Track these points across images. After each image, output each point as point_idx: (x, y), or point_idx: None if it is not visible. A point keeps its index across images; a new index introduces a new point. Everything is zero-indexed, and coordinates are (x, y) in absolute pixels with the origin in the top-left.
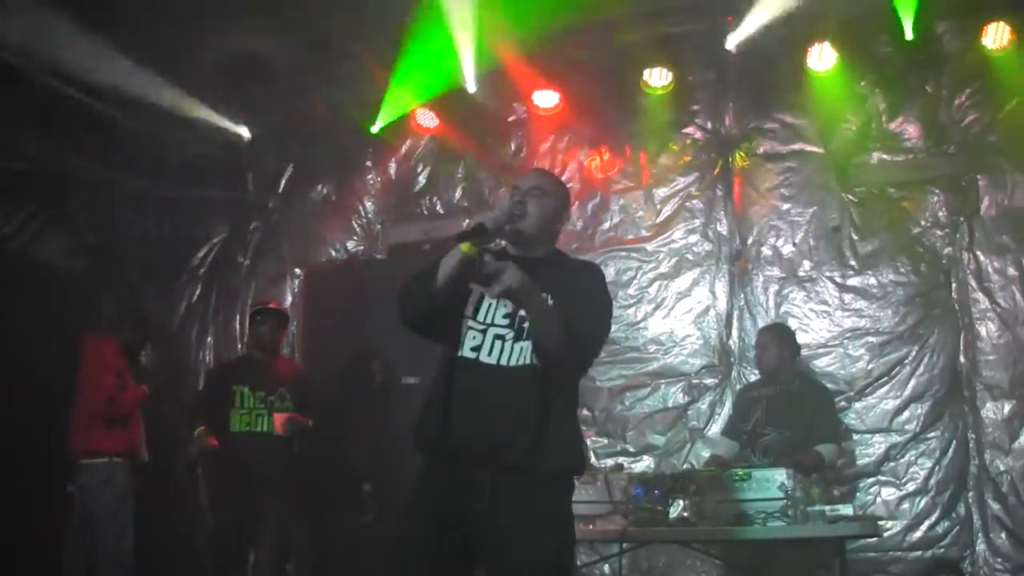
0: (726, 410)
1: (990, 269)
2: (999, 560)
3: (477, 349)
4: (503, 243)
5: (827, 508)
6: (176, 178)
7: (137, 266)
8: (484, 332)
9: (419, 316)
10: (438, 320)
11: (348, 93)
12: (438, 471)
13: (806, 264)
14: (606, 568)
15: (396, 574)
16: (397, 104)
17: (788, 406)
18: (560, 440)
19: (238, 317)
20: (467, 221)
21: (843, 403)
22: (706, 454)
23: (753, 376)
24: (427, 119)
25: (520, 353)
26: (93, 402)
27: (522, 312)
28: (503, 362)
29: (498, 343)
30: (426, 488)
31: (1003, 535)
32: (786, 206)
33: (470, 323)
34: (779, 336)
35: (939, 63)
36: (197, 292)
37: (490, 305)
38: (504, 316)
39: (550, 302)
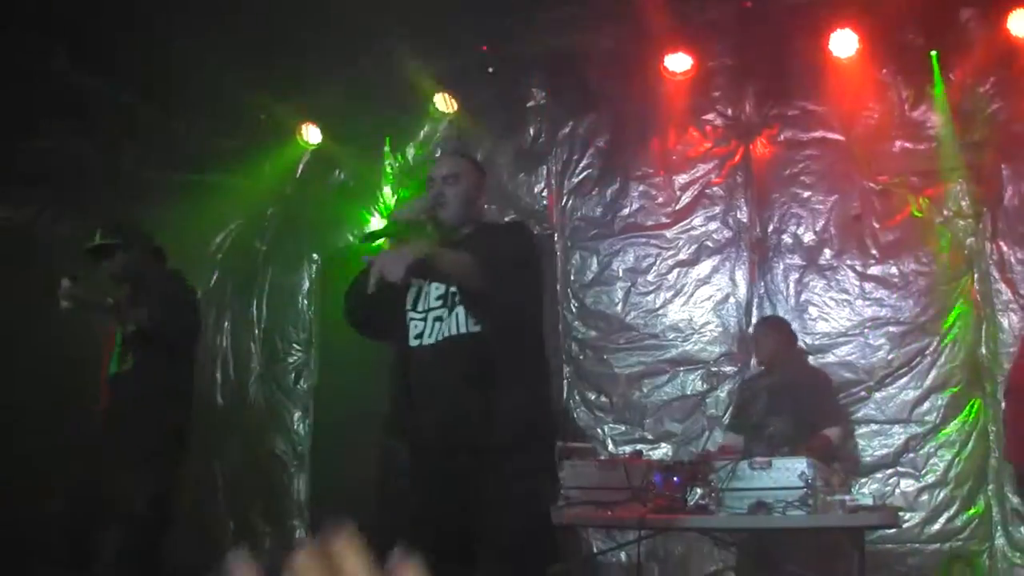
0: (736, 392)
1: (1013, 259)
2: (1018, 554)
3: (420, 336)
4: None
5: (847, 498)
6: (192, 164)
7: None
8: (424, 319)
9: (359, 316)
10: (377, 317)
11: (370, 77)
12: (418, 462)
13: (827, 252)
14: (623, 555)
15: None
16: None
17: (789, 395)
18: (511, 408)
19: (255, 302)
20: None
21: (862, 393)
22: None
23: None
24: (445, 103)
25: (455, 322)
26: None
27: (452, 288)
28: (443, 336)
29: (437, 324)
30: (414, 481)
31: (1022, 529)
32: (807, 194)
33: (411, 315)
34: (774, 327)
35: (963, 50)
36: (214, 278)
37: (426, 293)
38: (437, 298)
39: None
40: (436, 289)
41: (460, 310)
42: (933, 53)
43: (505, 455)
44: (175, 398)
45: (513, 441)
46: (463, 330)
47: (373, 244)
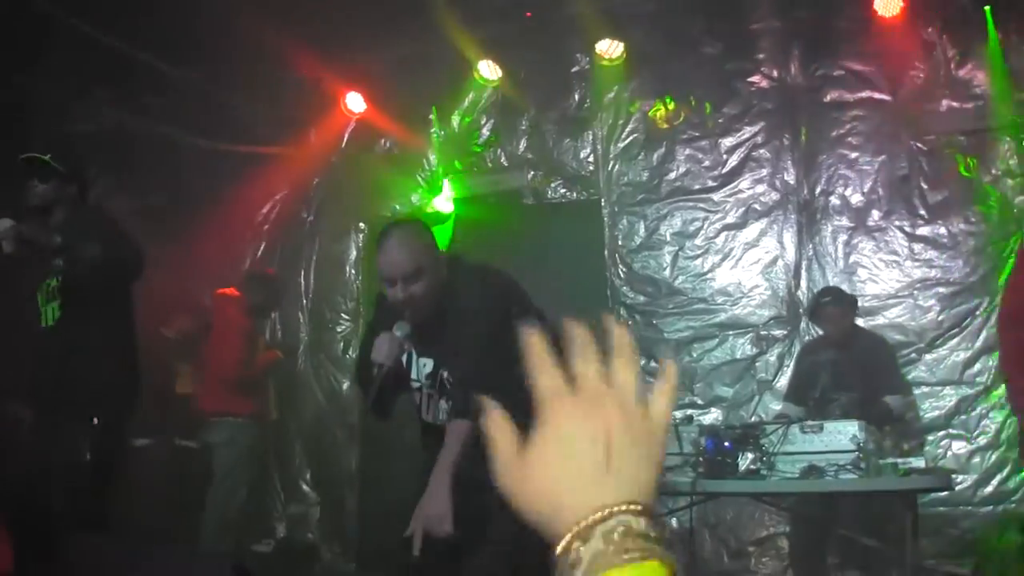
0: (794, 363)
1: None
2: None
3: (418, 409)
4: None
5: (899, 461)
6: (238, 135)
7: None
8: (420, 391)
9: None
10: (393, 407)
11: (415, 45)
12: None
13: (875, 214)
14: (673, 522)
15: None
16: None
17: (854, 368)
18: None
19: (302, 273)
20: (374, 367)
21: (913, 355)
22: (775, 406)
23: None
24: (490, 71)
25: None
26: (222, 364)
27: (444, 372)
28: (437, 420)
29: (428, 400)
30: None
31: None
32: (854, 155)
33: (412, 383)
34: (847, 305)
35: (1008, 8)
36: (261, 248)
37: (416, 364)
38: (427, 376)
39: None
40: (425, 366)
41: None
42: (987, 8)
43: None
44: (106, 357)
45: None
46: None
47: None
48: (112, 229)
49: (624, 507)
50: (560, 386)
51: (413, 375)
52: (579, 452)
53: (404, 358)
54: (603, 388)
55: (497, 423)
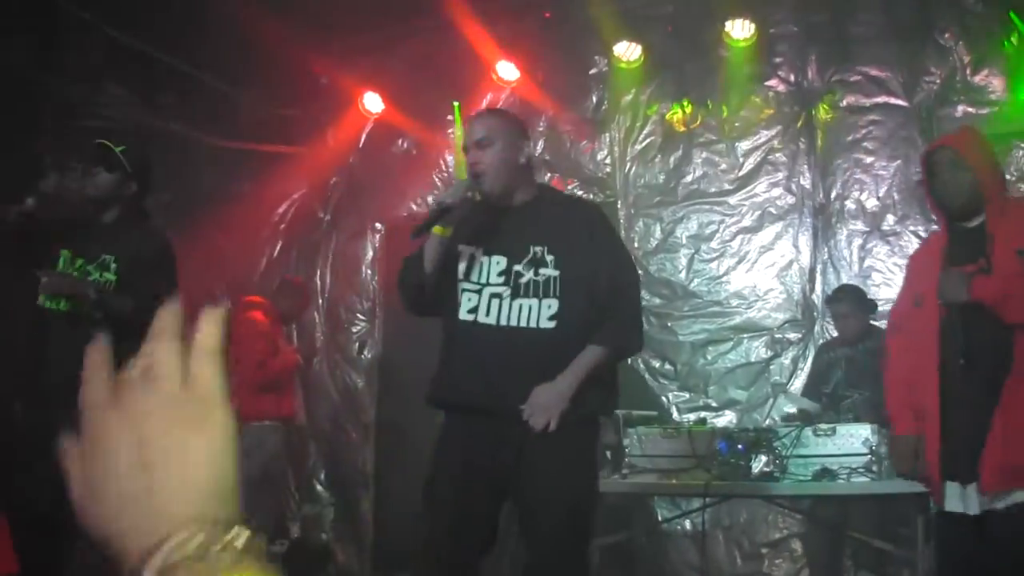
0: (808, 365)
1: None
2: None
3: (474, 311)
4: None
5: None
6: (255, 135)
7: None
8: (479, 292)
9: (417, 304)
10: (434, 300)
11: (432, 47)
12: (459, 426)
13: (890, 218)
14: (687, 523)
15: (425, 519)
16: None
17: (868, 366)
18: (580, 393)
19: (319, 272)
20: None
21: None
22: (789, 409)
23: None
24: (508, 71)
25: (520, 312)
26: (244, 367)
27: (517, 267)
28: (503, 322)
29: (495, 302)
30: (449, 442)
31: None
32: (870, 159)
33: (464, 285)
34: (858, 302)
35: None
36: (278, 247)
37: (482, 264)
38: (499, 274)
39: (554, 267)
40: (496, 264)
41: (534, 303)
42: (1012, 13)
43: (571, 428)
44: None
45: (585, 417)
46: (534, 324)
47: (436, 228)
48: (172, 268)
49: (191, 535)
50: (102, 397)
51: (475, 279)
52: (119, 465)
53: (465, 263)
54: (140, 385)
55: (70, 452)
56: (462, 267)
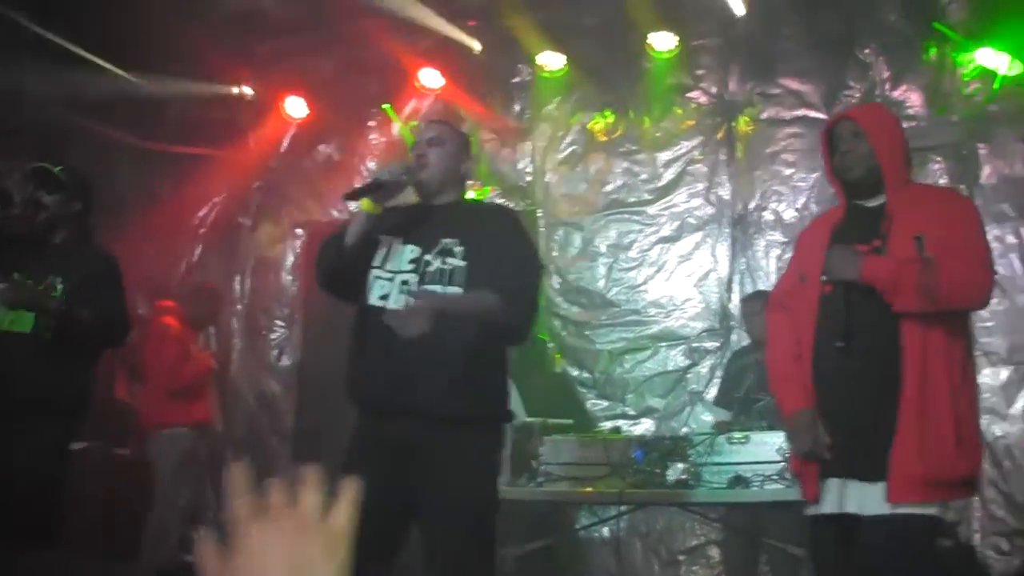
0: (724, 368)
1: (990, 237)
2: (995, 524)
3: (385, 298)
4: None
5: None
6: (177, 137)
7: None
8: (391, 280)
9: (331, 278)
10: (350, 279)
11: (355, 53)
12: (368, 423)
13: None
14: (605, 531)
15: None
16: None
17: None
18: (478, 386)
19: (238, 277)
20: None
21: None
22: (706, 417)
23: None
24: (432, 79)
25: None
26: (155, 373)
27: (427, 256)
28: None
29: (404, 288)
30: (360, 441)
31: (999, 499)
32: (788, 171)
33: (377, 272)
34: (765, 303)
35: (941, 32)
36: (198, 252)
37: (398, 253)
38: (410, 262)
39: (462, 258)
40: (410, 252)
41: (437, 290)
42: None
43: (469, 429)
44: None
45: (481, 419)
46: None
47: (364, 202)
48: (120, 285)
49: None
50: (252, 511)
51: (388, 266)
52: (269, 570)
53: (383, 252)
54: (288, 512)
55: (205, 549)
56: (379, 255)
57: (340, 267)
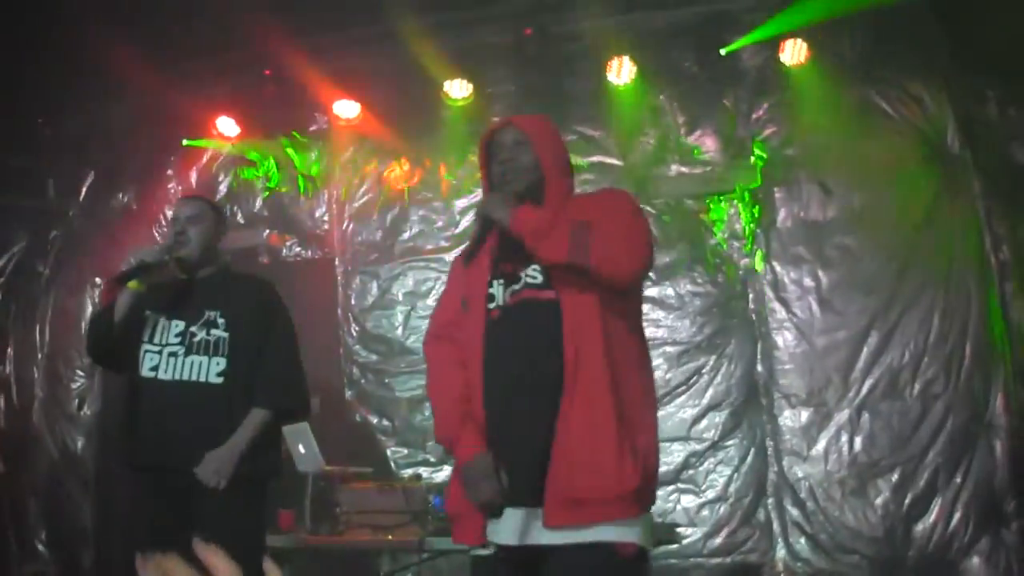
0: None
1: (787, 280)
2: (799, 564)
3: (155, 368)
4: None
5: None
6: None
7: None
8: (160, 352)
9: (103, 352)
10: (119, 352)
11: (152, 100)
12: (143, 482)
13: None
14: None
15: None
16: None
17: None
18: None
19: (38, 327)
20: (129, 259)
21: None
22: None
23: None
24: (229, 127)
25: (192, 367)
26: None
27: (192, 328)
28: (177, 376)
29: (172, 359)
30: (136, 500)
31: (802, 539)
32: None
33: (147, 347)
34: None
35: (738, 78)
36: None
37: (165, 327)
38: (176, 335)
39: (224, 329)
40: (176, 327)
41: (204, 360)
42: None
43: (236, 487)
44: None
45: (247, 476)
46: (204, 379)
47: (131, 283)
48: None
49: None
50: None
51: (156, 340)
52: None
53: (150, 327)
54: None
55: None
56: (147, 331)
57: (110, 343)
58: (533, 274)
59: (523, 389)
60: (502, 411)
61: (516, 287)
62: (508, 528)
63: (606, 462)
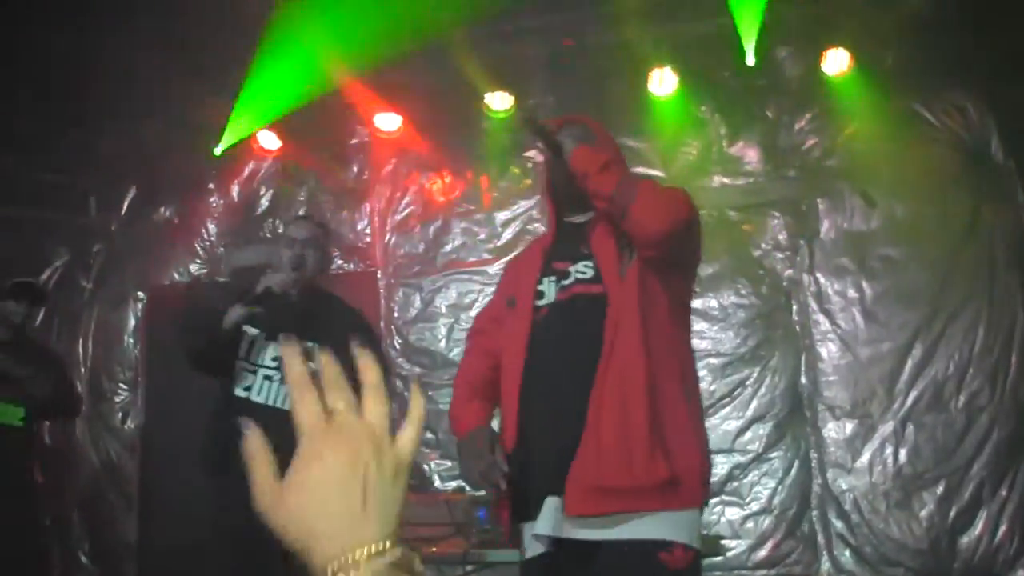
0: None
1: (830, 291)
2: None
3: (248, 389)
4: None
5: None
6: (17, 200)
7: None
8: (255, 372)
9: (202, 358)
10: (217, 359)
11: (191, 114)
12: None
13: None
14: None
15: None
16: (240, 126)
17: None
18: None
19: (80, 341)
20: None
21: None
22: None
23: None
24: (270, 141)
25: (287, 397)
26: None
27: None
28: (272, 403)
29: (266, 383)
30: (223, 514)
31: (847, 552)
32: None
33: (243, 364)
34: None
35: (779, 88)
36: (40, 316)
37: (261, 348)
38: (273, 359)
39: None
40: (273, 350)
41: None
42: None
43: None
44: None
45: None
46: None
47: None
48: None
49: (386, 544)
50: (318, 418)
51: (253, 359)
52: (337, 486)
53: (247, 343)
54: (356, 422)
55: (256, 445)
56: (244, 346)
57: (212, 352)
58: (584, 269)
59: (561, 379)
60: (539, 400)
61: (566, 282)
62: (544, 519)
63: (634, 452)
